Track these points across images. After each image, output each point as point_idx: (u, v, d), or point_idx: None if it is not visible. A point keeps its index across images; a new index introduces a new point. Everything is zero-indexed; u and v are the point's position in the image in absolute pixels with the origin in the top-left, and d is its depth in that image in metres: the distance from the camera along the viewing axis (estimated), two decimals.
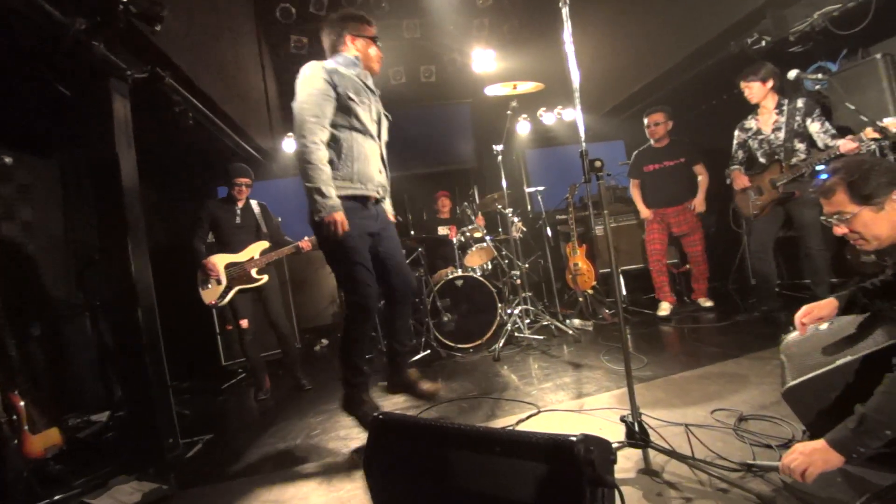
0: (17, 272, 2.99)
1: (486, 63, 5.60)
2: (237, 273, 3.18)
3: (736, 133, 3.34)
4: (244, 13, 4.66)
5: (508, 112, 3.64)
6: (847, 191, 1.31)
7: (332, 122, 1.96)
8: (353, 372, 2.10)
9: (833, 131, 2.85)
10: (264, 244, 3.34)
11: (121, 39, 2.10)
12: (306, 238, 3.28)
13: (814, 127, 2.89)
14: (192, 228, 3.19)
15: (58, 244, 3.38)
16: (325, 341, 5.04)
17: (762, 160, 3.15)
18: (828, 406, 1.37)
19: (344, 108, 1.97)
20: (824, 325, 1.73)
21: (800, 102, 2.98)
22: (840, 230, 1.39)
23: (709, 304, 3.96)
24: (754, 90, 3.08)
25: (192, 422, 2.93)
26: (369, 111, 2.09)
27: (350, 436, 2.31)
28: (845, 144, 2.58)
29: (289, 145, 5.17)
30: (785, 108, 3.02)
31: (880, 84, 3.38)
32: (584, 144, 1.63)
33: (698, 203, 3.87)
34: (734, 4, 3.49)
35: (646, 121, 4.00)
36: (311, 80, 1.92)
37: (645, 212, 4.05)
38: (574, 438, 1.08)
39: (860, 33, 3.20)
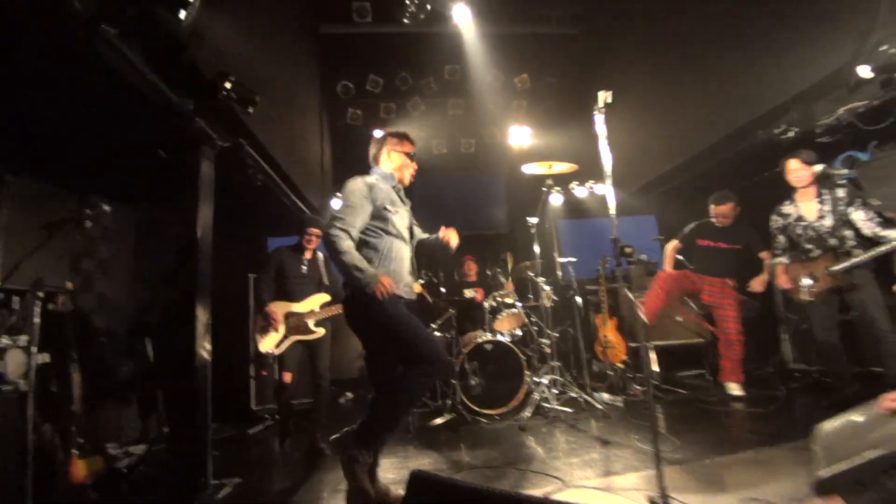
0: (87, 306, 3.31)
1: (522, 139, 6.05)
2: (295, 323, 3.19)
3: (774, 218, 3.34)
4: (311, 89, 5.31)
5: (543, 188, 3.89)
6: None
7: (371, 227, 2.22)
8: (382, 441, 2.11)
9: (879, 219, 2.84)
10: (325, 297, 3.37)
11: (216, 116, 2.50)
12: None
13: (858, 215, 2.89)
14: (261, 272, 3.30)
15: (125, 282, 3.73)
16: (349, 394, 5.08)
17: (808, 246, 3.13)
18: (862, 499, 1.34)
19: (380, 217, 2.23)
20: (860, 417, 1.71)
21: (841, 192, 3.01)
22: None
23: (738, 392, 3.67)
24: (803, 174, 3.11)
25: (219, 463, 3.00)
26: (402, 219, 2.37)
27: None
28: None
29: (336, 204, 5.60)
30: (827, 196, 3.04)
31: None
32: (615, 231, 1.79)
33: (757, 283, 3.73)
34: (762, 96, 3.72)
35: (713, 209, 3.91)
36: (352, 193, 2.22)
37: (669, 268, 3.96)
38: None
39: (888, 127, 3.32)
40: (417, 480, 1.55)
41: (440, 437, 3.31)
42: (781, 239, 3.30)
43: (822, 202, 3.05)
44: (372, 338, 2.22)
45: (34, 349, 1.86)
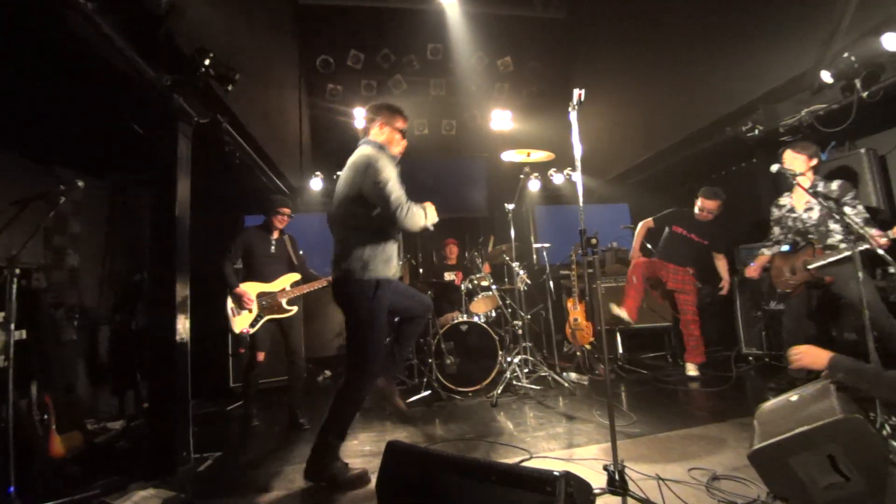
0: (60, 281, 3.25)
1: (503, 123, 6.12)
2: (269, 303, 3.23)
3: (771, 209, 3.36)
4: (289, 62, 5.18)
5: (521, 175, 3.98)
6: None
7: (374, 208, 2.17)
8: (339, 435, 2.20)
9: (865, 215, 2.85)
10: (295, 276, 3.42)
11: (193, 92, 2.46)
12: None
13: (849, 210, 2.88)
14: (224, 252, 3.30)
15: (97, 257, 3.66)
16: (328, 373, 5.17)
17: (797, 238, 3.19)
18: (786, 469, 1.54)
19: None
20: (795, 396, 1.92)
21: (834, 185, 2.98)
22: None
23: (694, 373, 3.95)
24: (797, 163, 3.04)
25: (199, 438, 3.06)
26: None
27: (354, 465, 2.45)
28: (876, 238, 2.58)
29: (315, 184, 5.55)
30: (819, 188, 3.00)
31: (864, 175, 3.71)
32: (583, 222, 1.91)
33: (727, 284, 4.02)
34: (732, 94, 3.89)
35: (699, 202, 3.98)
36: (386, 166, 2.20)
37: (637, 254, 4.16)
38: (558, 474, 1.27)
39: (844, 130, 3.53)
40: (393, 449, 1.68)
41: (416, 412, 3.46)
42: (776, 230, 3.31)
43: (813, 194, 2.96)
44: (353, 321, 2.25)
45: (12, 325, 1.86)
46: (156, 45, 2.03)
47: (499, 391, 3.62)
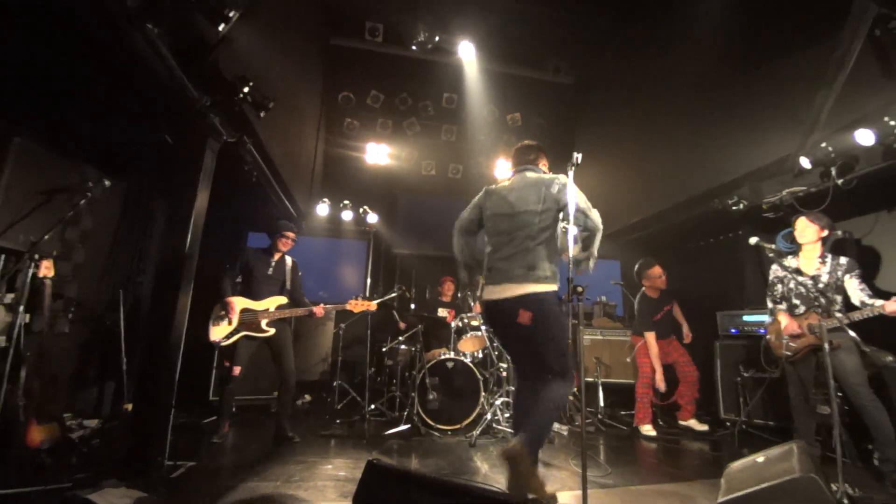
0: (64, 273, 3.32)
1: (506, 172, 6.42)
2: (248, 319, 3.32)
3: (774, 267, 3.37)
4: (313, 94, 5.51)
5: None
6: None
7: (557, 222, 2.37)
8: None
9: (870, 291, 2.92)
10: (282, 300, 3.51)
11: (227, 113, 2.67)
12: (321, 304, 3.56)
13: (852, 283, 2.95)
14: (227, 268, 3.44)
15: (102, 254, 3.74)
16: (307, 397, 5.12)
17: (796, 301, 3.20)
18: None
19: None
20: (761, 458, 2.00)
21: (843, 259, 3.07)
22: None
23: (703, 427, 4.17)
24: (809, 231, 3.18)
25: (174, 447, 3.03)
26: None
27: (327, 487, 2.45)
28: (889, 306, 2.71)
29: (322, 209, 5.74)
30: (829, 260, 3.10)
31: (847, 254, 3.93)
32: (571, 273, 2.06)
33: (688, 333, 4.40)
34: (720, 170, 4.18)
35: (653, 271, 4.41)
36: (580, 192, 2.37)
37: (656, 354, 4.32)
38: (531, 497, 1.34)
39: (824, 213, 3.77)
40: (373, 468, 1.73)
41: (393, 445, 3.45)
42: (779, 288, 3.33)
43: (823, 262, 3.12)
44: (553, 336, 2.31)
45: (21, 308, 1.94)
46: (202, 68, 2.24)
47: (478, 432, 3.62)
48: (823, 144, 3.54)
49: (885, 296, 2.80)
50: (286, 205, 4.83)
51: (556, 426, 4.14)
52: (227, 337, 3.27)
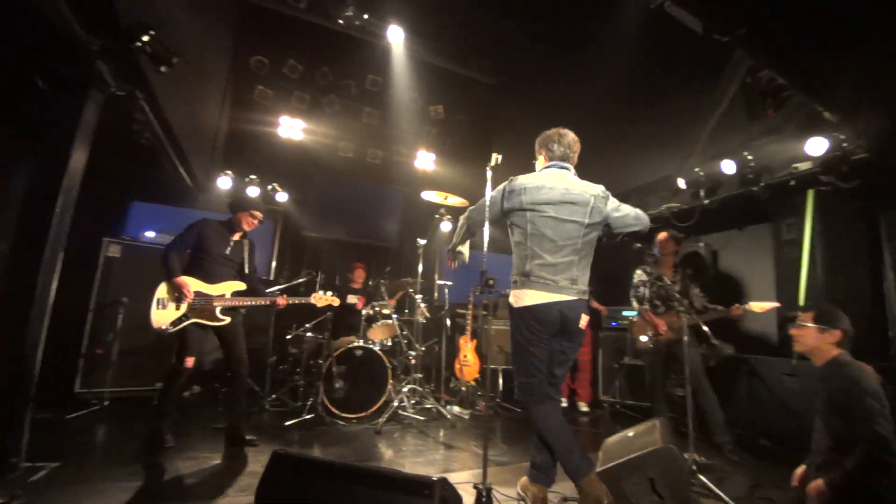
0: None
1: (426, 163, 6.49)
2: (201, 306, 2.91)
3: (639, 272, 3.81)
4: (222, 55, 4.98)
5: (437, 216, 4.26)
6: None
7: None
8: None
9: (707, 297, 3.54)
10: (240, 285, 3.13)
11: (118, 63, 2.31)
12: (283, 296, 3.27)
13: (695, 290, 3.57)
14: (176, 240, 2.95)
15: None
16: (196, 388, 4.67)
17: (657, 302, 3.69)
18: (619, 491, 1.87)
19: None
20: (631, 432, 2.32)
21: (689, 271, 3.75)
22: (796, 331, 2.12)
23: (586, 408, 4.73)
24: (668, 244, 3.74)
25: (34, 446, 2.59)
26: None
27: (223, 483, 2.31)
28: (734, 310, 3.26)
29: (223, 182, 5.23)
30: (680, 268, 3.73)
31: (705, 262, 4.68)
32: (485, 265, 2.18)
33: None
34: (614, 182, 4.62)
35: None
36: None
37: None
38: (435, 479, 1.42)
39: (693, 226, 4.45)
40: (278, 459, 1.68)
41: (293, 436, 3.34)
42: (642, 290, 3.81)
43: (675, 271, 3.74)
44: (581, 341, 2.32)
45: None
46: (94, 4, 1.90)
47: (384, 419, 3.66)
48: (696, 169, 4.17)
49: (731, 300, 3.39)
50: (181, 174, 4.34)
51: (457, 410, 4.35)
52: (176, 323, 2.82)
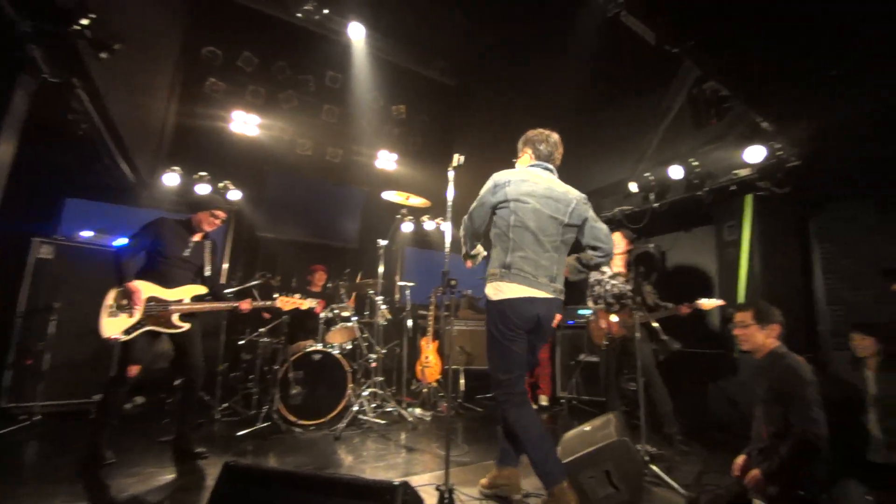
0: None
1: (388, 163, 6.42)
2: (157, 312, 2.72)
3: (594, 272, 3.86)
4: (172, 43, 4.70)
5: (398, 216, 4.22)
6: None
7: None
8: None
9: (658, 295, 3.68)
10: (200, 289, 2.95)
11: (53, 46, 2.12)
12: (248, 300, 3.09)
13: (647, 288, 3.66)
14: (131, 240, 2.74)
15: None
16: (139, 399, 4.36)
17: (611, 301, 3.78)
18: (577, 484, 1.91)
19: None
20: (588, 427, 2.39)
21: (642, 268, 3.72)
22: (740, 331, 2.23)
23: (546, 402, 4.87)
24: (621, 244, 3.81)
25: None
26: None
27: (171, 499, 2.16)
28: (682, 308, 3.44)
29: (170, 179, 4.93)
30: (632, 267, 3.72)
31: (656, 262, 4.90)
32: (447, 265, 2.18)
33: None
34: (572, 184, 4.82)
35: None
36: None
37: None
38: (397, 483, 1.39)
39: (643, 228, 4.66)
40: (230, 471, 1.59)
41: (246, 447, 3.18)
42: (597, 289, 3.95)
43: (629, 270, 3.84)
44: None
45: None
46: None
47: (343, 424, 3.57)
48: (647, 174, 4.38)
49: (679, 298, 3.58)
50: (123, 169, 4.04)
51: (419, 412, 4.31)
52: (129, 331, 2.61)
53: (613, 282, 3.78)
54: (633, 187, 4.46)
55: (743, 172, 3.79)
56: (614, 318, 3.75)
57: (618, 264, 3.88)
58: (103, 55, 2.04)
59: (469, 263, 2.48)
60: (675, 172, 4.13)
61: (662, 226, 4.89)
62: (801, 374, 1.97)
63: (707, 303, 3.38)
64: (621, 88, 4.46)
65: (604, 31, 3.18)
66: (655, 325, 3.51)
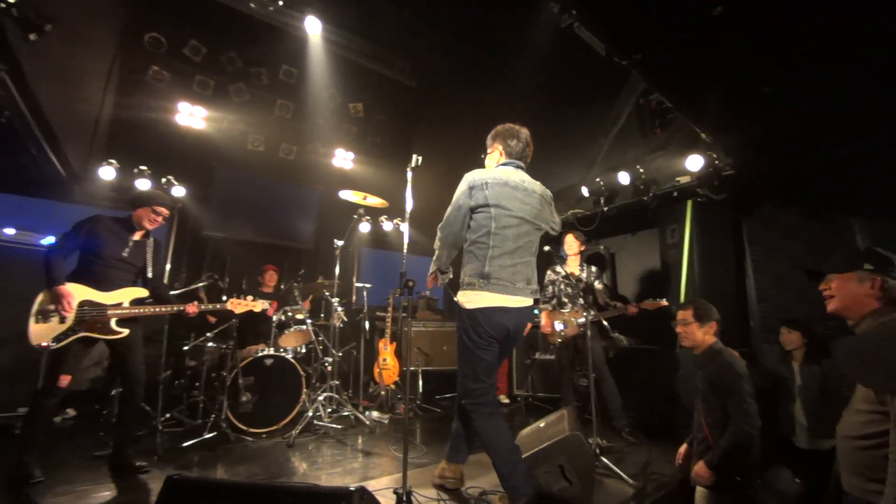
0: None
1: (345, 162, 6.29)
2: (92, 317, 2.52)
3: (549, 273, 4.03)
4: (109, 25, 4.36)
5: (355, 216, 4.15)
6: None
7: None
8: None
9: (609, 295, 3.88)
10: (141, 292, 2.77)
11: None
12: (195, 302, 2.88)
13: (599, 287, 3.87)
14: (61, 240, 2.51)
15: None
16: (70, 412, 4.00)
17: (564, 300, 3.94)
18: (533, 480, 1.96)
19: None
20: (542, 423, 2.46)
21: (594, 268, 4.03)
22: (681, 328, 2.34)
23: (506, 400, 4.93)
24: (574, 245, 3.97)
25: None
26: None
27: None
28: (630, 308, 3.61)
29: (106, 173, 4.57)
30: (585, 268, 3.98)
31: (605, 263, 5.13)
32: (405, 266, 2.17)
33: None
34: None
35: None
36: None
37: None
38: (353, 489, 1.37)
39: (594, 230, 4.86)
40: (173, 485, 1.50)
41: (192, 458, 3.00)
42: (550, 289, 4.07)
43: (582, 269, 3.97)
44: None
45: None
46: None
47: (297, 431, 3.45)
48: (597, 179, 4.58)
49: (626, 298, 3.77)
50: (52, 161, 3.71)
51: (376, 415, 4.25)
52: (60, 338, 2.40)
53: (567, 281, 3.90)
54: (585, 191, 4.65)
55: (684, 180, 4.05)
56: (559, 325, 3.89)
57: (571, 265, 4.02)
58: (32, 37, 1.86)
59: (436, 282, 2.36)
60: (623, 178, 4.35)
61: (611, 229, 5.12)
62: (735, 369, 2.13)
63: (651, 303, 3.60)
64: (575, 96, 4.63)
65: (558, 41, 3.29)
66: (605, 323, 3.67)
